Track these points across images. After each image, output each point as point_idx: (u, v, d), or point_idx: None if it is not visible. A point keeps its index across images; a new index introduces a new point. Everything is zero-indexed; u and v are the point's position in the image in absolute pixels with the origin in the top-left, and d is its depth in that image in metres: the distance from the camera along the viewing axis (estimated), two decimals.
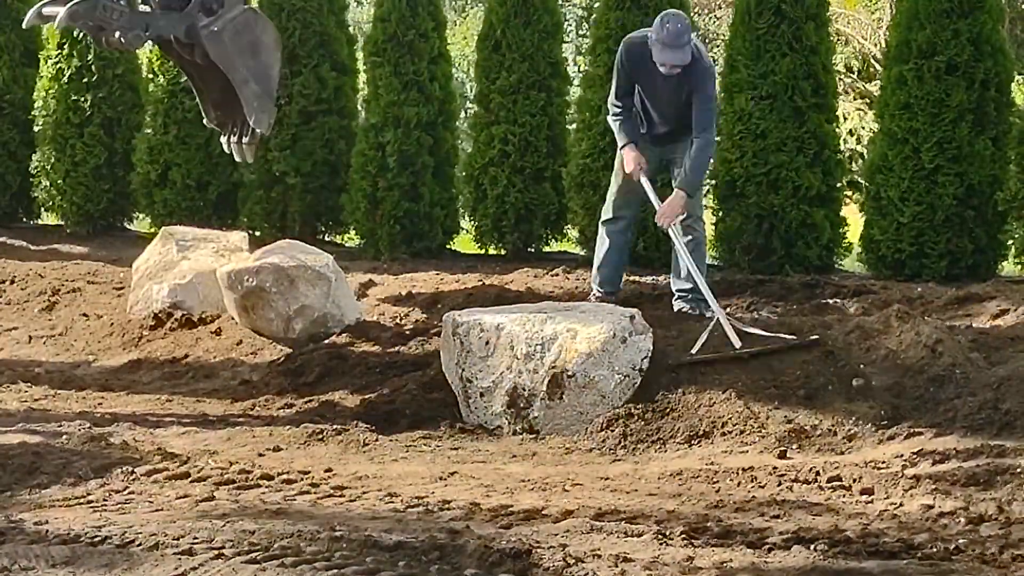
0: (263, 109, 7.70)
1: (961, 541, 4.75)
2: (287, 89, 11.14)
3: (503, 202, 10.65)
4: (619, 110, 7.93)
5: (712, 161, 8.70)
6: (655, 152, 8.00)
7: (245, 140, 7.76)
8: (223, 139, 7.93)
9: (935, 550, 4.66)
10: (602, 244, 8.27)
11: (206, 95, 7.86)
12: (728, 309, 8.29)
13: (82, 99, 11.93)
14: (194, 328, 8.56)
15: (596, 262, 8.36)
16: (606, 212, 8.23)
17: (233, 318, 8.48)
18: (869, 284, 9.13)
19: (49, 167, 11.84)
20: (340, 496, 5.57)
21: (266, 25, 7.83)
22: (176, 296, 8.73)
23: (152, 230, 11.67)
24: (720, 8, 20.33)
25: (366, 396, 7.24)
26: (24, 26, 7.76)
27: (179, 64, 7.68)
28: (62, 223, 12.11)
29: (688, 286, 7.94)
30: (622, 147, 7.90)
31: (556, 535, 4.81)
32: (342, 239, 11.72)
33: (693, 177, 7.77)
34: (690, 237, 7.87)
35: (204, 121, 8.11)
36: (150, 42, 7.58)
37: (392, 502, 5.46)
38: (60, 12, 6.97)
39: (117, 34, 7.10)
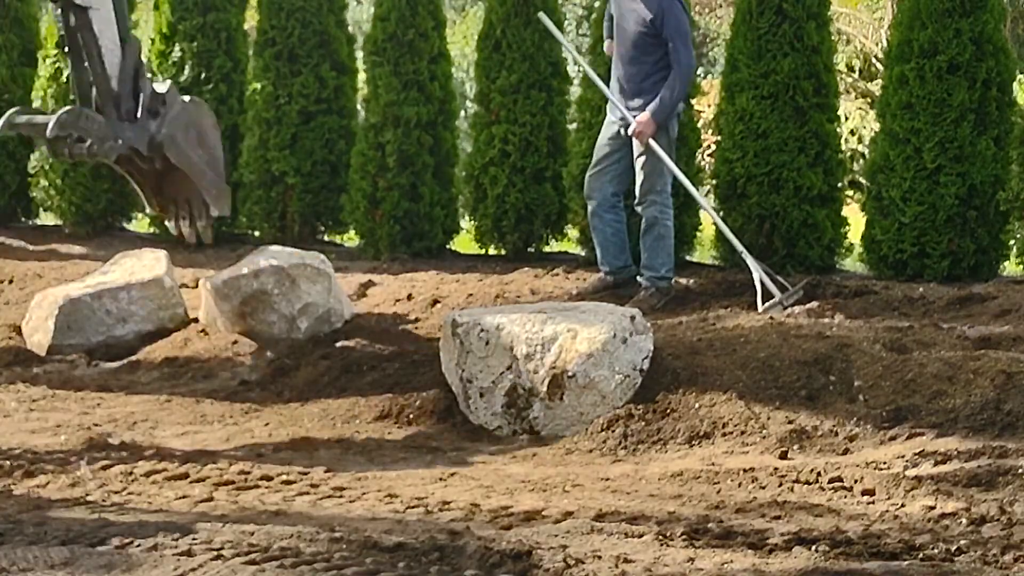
0: (220, 195, 7.89)
1: (963, 542, 4.74)
2: (287, 89, 11.13)
3: (503, 202, 10.63)
4: None
5: (681, 105, 9.11)
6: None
7: (201, 223, 7.84)
8: (170, 223, 7.99)
9: (937, 551, 4.65)
10: (591, 231, 9.07)
11: (146, 187, 7.88)
12: (729, 309, 8.29)
13: None
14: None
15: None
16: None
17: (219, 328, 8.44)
18: (870, 284, 9.12)
19: (48, 167, 11.81)
20: (340, 497, 5.56)
21: (202, 109, 7.99)
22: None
23: (151, 230, 11.66)
24: (721, 7, 20.34)
25: (365, 396, 7.23)
26: None
27: (119, 165, 7.71)
28: (61, 223, 12.09)
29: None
30: None
31: (556, 536, 4.80)
32: (342, 239, 11.70)
33: (659, 104, 8.51)
34: (652, 219, 8.18)
35: (146, 210, 8.19)
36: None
37: (392, 503, 5.45)
38: (50, 121, 7.08)
39: (91, 144, 7.18)
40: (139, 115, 7.45)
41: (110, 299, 8.48)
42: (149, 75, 7.72)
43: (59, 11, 7.25)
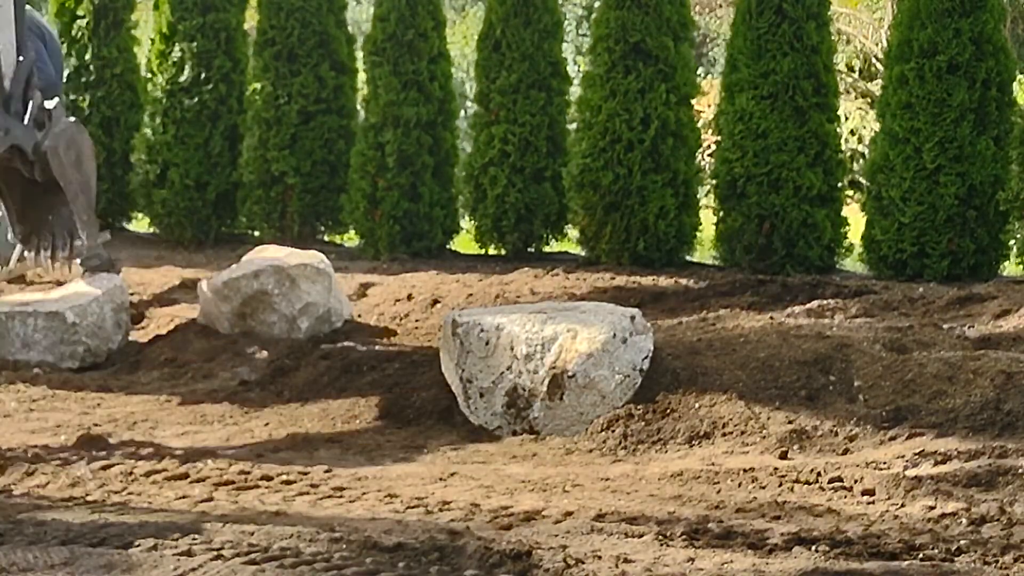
0: (91, 222, 7.84)
1: (963, 542, 4.73)
2: (286, 89, 11.13)
3: (503, 202, 10.63)
4: None
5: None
6: None
7: (63, 254, 7.82)
8: (28, 253, 7.91)
9: (937, 551, 4.65)
10: None
11: (12, 207, 7.83)
12: (729, 309, 8.28)
13: (80, 98, 11.93)
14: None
15: None
16: None
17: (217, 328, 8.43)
18: (870, 284, 9.12)
19: None
20: (339, 497, 5.56)
21: (83, 134, 7.95)
22: None
23: (151, 230, 11.65)
24: (721, 7, 20.34)
25: (365, 396, 7.23)
26: None
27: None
28: None
29: None
30: None
31: (556, 536, 4.80)
32: (341, 239, 11.71)
33: None
34: None
35: (8, 236, 8.08)
36: None
37: (392, 503, 5.45)
38: None
39: None
40: (26, 121, 7.47)
41: (20, 322, 8.18)
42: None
43: None
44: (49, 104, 7.68)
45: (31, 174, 7.60)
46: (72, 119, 7.93)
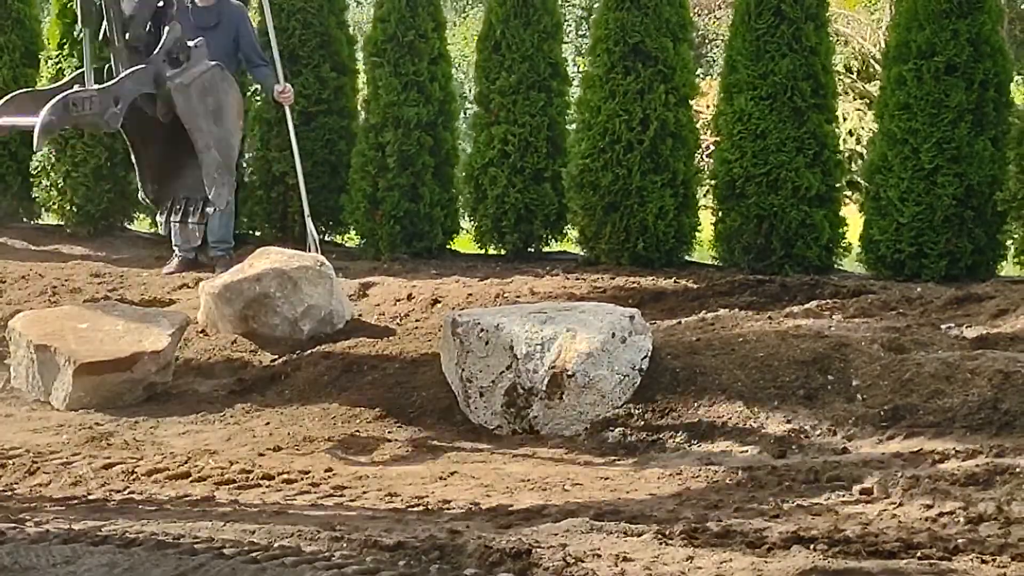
0: (223, 182, 6.84)
1: (960, 541, 4.75)
2: None
3: (503, 202, 10.65)
4: None
5: None
6: None
7: (193, 220, 7.05)
8: (160, 217, 7.05)
9: (934, 550, 4.67)
10: None
11: (145, 163, 6.98)
12: (728, 309, 8.30)
13: None
14: None
15: None
16: None
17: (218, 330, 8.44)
18: (868, 284, 9.13)
19: (49, 167, 11.83)
20: (340, 496, 5.58)
21: (231, 87, 7.06)
22: None
23: (152, 230, 11.66)
24: (720, 8, 20.35)
25: (365, 396, 7.25)
26: None
27: (126, 127, 6.74)
28: (62, 223, 12.10)
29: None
30: None
31: (556, 535, 4.81)
32: (342, 239, 11.72)
33: None
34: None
35: (139, 195, 7.15)
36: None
37: (392, 502, 5.47)
38: (36, 126, 6.18)
39: (93, 120, 6.36)
40: (155, 53, 6.56)
41: None
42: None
43: None
44: (191, 41, 6.74)
45: (152, 112, 6.65)
46: (216, 63, 6.93)
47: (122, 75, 6.50)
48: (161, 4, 6.63)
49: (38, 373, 7.52)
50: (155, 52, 6.55)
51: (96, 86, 6.41)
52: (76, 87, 6.40)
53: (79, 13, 6.58)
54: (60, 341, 7.56)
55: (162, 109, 6.65)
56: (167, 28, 6.62)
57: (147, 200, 7.00)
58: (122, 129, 6.71)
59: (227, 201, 6.98)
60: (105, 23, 6.54)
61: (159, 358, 7.41)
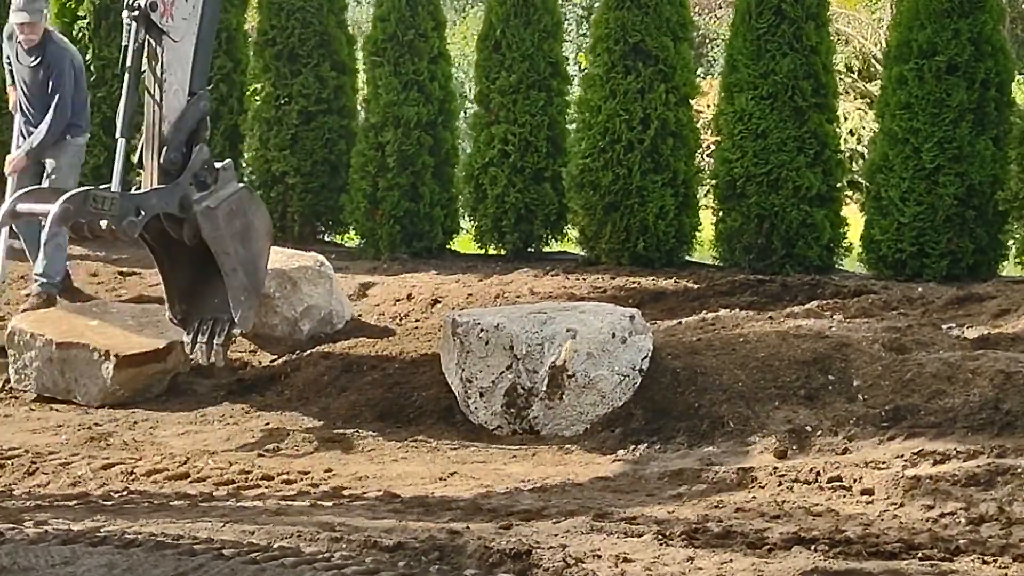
0: (249, 305, 6.84)
1: (961, 542, 4.74)
2: (287, 89, 11.15)
3: (503, 202, 10.64)
4: None
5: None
6: None
7: (218, 341, 6.83)
8: (186, 337, 6.94)
9: (935, 551, 4.66)
10: None
11: (173, 283, 6.96)
12: (728, 309, 8.29)
13: None
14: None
15: None
16: None
17: None
18: (870, 284, 9.12)
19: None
20: (340, 496, 5.57)
21: (259, 207, 7.09)
22: None
23: None
24: (720, 8, 20.34)
25: (365, 396, 7.24)
26: None
27: (152, 246, 6.85)
28: None
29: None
30: None
31: (556, 535, 4.81)
32: (342, 239, 11.71)
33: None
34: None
35: (166, 315, 7.09)
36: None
37: (392, 503, 5.46)
38: (52, 211, 6.34)
39: (106, 224, 6.39)
40: (182, 176, 6.66)
41: None
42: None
43: (131, 23, 6.50)
44: (219, 164, 6.83)
45: (178, 235, 6.69)
46: (244, 185, 7.07)
47: (150, 189, 6.67)
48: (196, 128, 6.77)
49: (59, 371, 7.51)
50: (180, 176, 6.67)
51: (120, 191, 6.59)
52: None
53: (118, 124, 6.76)
54: (87, 338, 7.58)
55: (188, 232, 6.72)
56: (196, 149, 6.73)
57: (174, 320, 7.02)
58: (152, 252, 6.85)
59: (251, 323, 7.02)
60: (143, 141, 6.76)
61: (184, 348, 7.39)
